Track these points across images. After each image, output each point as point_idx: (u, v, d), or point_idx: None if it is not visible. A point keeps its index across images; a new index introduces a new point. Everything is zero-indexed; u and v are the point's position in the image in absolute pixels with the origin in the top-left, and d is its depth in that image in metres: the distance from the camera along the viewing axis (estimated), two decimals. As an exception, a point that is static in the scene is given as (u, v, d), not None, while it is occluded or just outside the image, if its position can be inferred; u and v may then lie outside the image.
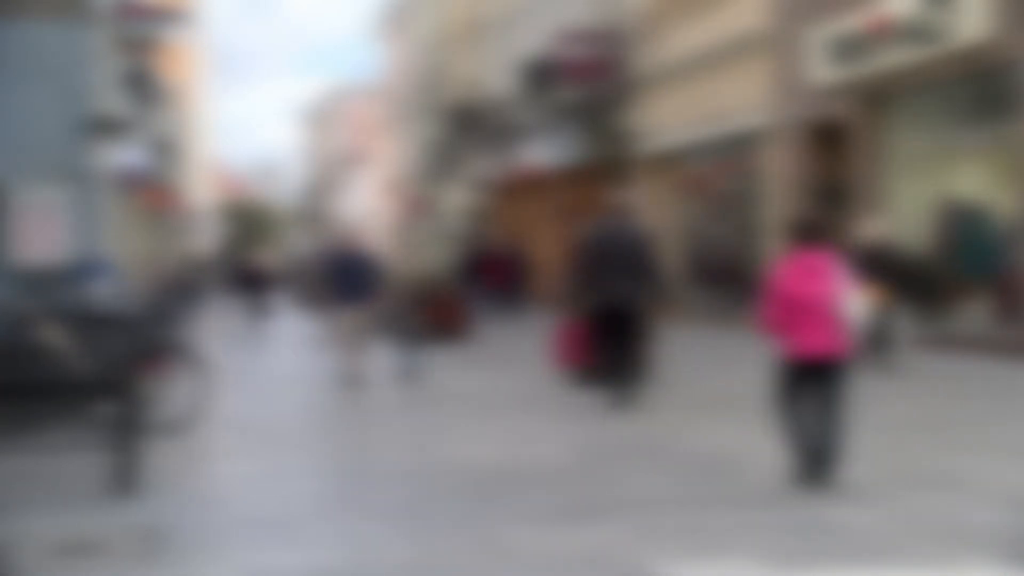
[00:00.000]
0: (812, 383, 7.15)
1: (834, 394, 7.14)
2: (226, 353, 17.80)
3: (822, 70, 17.17)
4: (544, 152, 28.90)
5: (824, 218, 7.62)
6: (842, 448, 7.18)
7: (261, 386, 14.47)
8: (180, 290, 26.64)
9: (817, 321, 7.05)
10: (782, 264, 7.34)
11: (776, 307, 7.20)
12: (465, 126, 35.18)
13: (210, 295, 36.08)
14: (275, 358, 18.49)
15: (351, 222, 17.65)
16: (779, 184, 19.28)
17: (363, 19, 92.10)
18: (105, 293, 15.16)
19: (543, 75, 26.96)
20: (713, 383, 13.03)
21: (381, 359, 14.83)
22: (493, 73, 34.50)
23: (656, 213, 24.07)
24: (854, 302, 7.13)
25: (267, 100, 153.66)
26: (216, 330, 22.71)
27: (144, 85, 26.68)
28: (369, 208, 65.41)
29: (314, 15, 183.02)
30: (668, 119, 22.99)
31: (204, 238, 63.91)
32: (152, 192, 31.74)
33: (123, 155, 23.46)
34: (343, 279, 13.42)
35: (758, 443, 8.79)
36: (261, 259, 28.45)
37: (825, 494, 6.96)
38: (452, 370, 14.97)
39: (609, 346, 11.03)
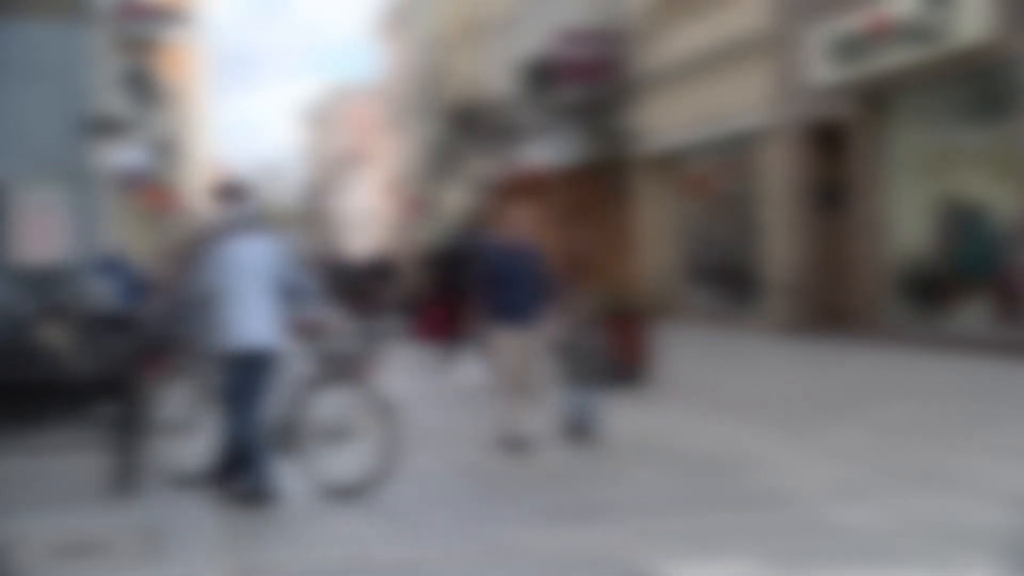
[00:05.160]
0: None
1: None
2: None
3: (822, 70, 17.17)
4: (544, 152, 28.87)
5: None
6: None
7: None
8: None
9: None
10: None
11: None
12: (465, 126, 35.12)
13: None
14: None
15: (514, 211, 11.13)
16: (779, 184, 19.28)
17: (363, 20, 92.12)
18: (108, 293, 15.12)
19: (543, 75, 26.93)
20: (713, 383, 13.01)
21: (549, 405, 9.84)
22: (493, 73, 34.49)
23: (656, 213, 24.08)
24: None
25: (268, 100, 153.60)
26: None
27: (144, 85, 26.66)
28: (369, 208, 65.42)
29: (315, 16, 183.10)
30: (668, 119, 22.98)
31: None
32: (152, 192, 31.72)
33: (123, 155, 23.44)
34: (506, 288, 9.12)
35: (758, 442, 8.79)
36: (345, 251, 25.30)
37: (827, 495, 6.96)
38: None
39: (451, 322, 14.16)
